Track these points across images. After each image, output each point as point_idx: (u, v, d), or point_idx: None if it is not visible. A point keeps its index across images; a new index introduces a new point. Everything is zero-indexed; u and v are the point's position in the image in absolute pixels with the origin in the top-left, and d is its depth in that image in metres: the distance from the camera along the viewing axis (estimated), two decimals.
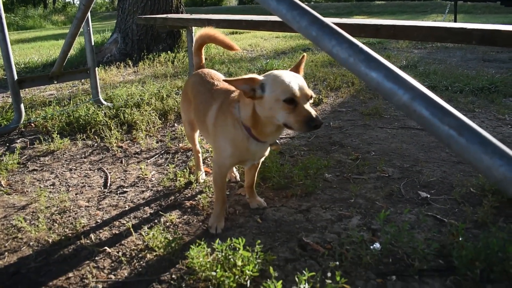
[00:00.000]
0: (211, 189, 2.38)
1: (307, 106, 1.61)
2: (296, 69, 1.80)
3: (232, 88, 1.95)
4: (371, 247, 1.78)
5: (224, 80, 1.72)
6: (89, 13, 3.75)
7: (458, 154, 0.96)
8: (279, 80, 1.63)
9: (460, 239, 1.76)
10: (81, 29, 3.86)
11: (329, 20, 1.18)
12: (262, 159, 2.04)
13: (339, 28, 1.15)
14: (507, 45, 2.07)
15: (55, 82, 4.07)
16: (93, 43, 4.22)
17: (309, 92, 1.64)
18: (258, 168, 2.19)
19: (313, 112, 1.59)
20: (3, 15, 3.37)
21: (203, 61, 2.44)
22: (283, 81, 1.62)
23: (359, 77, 1.11)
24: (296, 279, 1.51)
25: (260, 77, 1.67)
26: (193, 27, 4.23)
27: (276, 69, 5.56)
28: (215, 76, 2.20)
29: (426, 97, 1.00)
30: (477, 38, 2.12)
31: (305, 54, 1.91)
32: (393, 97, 1.03)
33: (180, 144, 3.17)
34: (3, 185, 2.57)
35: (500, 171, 0.90)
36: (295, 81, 1.63)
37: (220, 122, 1.89)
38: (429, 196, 2.30)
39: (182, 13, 7.67)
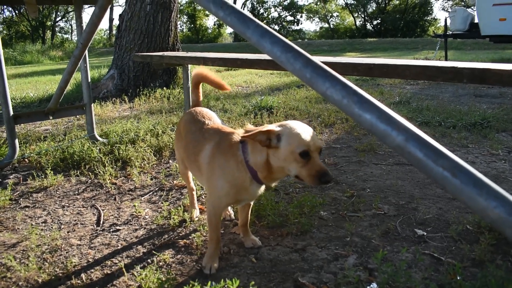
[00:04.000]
0: (205, 227, 2.35)
1: (319, 160, 1.65)
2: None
3: (226, 129, 1.97)
4: (368, 287, 1.75)
5: (242, 137, 1.71)
6: (86, 51, 3.80)
7: (453, 195, 0.96)
8: (295, 132, 1.66)
9: (458, 278, 1.73)
10: (78, 66, 3.90)
11: (322, 59, 1.20)
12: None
13: (332, 70, 1.17)
14: (497, 83, 2.11)
15: (51, 117, 4.07)
16: (89, 80, 4.26)
17: (321, 144, 1.69)
18: (251, 206, 2.17)
19: (325, 167, 1.63)
20: (1, 51, 3.41)
21: (201, 98, 2.46)
22: (299, 134, 1.65)
23: (353, 118, 1.12)
24: None
25: (277, 128, 1.69)
26: (188, 65, 4.29)
27: (271, 105, 5.63)
28: (206, 115, 2.20)
29: (419, 139, 1.01)
30: (467, 77, 2.16)
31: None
32: (387, 139, 1.04)
33: (175, 181, 3.16)
34: None
35: (496, 212, 0.90)
36: (310, 134, 1.68)
37: (219, 162, 1.87)
38: (425, 234, 2.28)
39: (178, 50, 7.80)
